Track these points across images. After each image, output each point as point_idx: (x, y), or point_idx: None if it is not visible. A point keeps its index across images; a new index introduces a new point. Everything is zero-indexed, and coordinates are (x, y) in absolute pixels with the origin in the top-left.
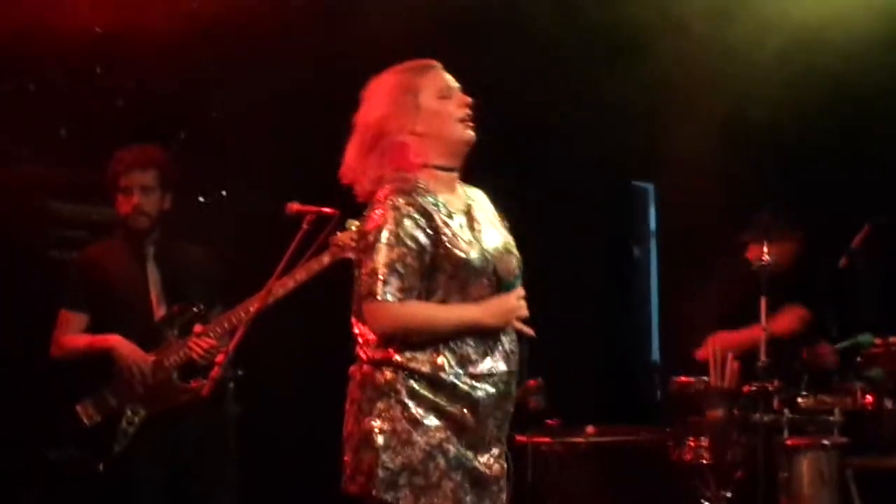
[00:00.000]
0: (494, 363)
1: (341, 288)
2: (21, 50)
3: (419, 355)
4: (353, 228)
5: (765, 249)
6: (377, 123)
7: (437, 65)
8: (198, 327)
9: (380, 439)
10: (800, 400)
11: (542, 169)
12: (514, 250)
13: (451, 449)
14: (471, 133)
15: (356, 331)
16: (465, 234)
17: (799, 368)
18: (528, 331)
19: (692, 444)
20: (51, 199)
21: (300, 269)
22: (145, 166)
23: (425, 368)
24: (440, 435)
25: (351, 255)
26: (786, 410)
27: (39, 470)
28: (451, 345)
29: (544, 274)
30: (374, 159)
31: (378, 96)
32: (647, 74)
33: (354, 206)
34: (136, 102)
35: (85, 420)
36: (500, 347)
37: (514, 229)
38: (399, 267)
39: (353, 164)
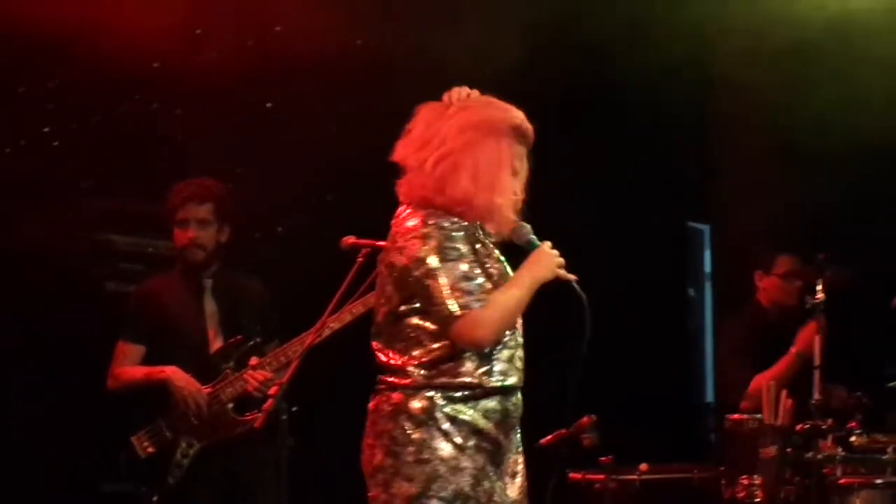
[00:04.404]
0: (517, 378)
1: None
2: (82, 86)
3: (453, 370)
4: None
5: (819, 287)
6: (457, 153)
7: (531, 139)
8: (253, 360)
9: (427, 469)
10: (853, 438)
11: (599, 208)
12: None
13: (491, 473)
14: (512, 222)
15: (382, 358)
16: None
17: (853, 406)
18: (571, 277)
19: (745, 482)
20: (109, 231)
21: (357, 302)
22: (202, 199)
23: (460, 380)
24: (482, 459)
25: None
26: (839, 449)
27: (94, 502)
28: (481, 358)
29: (600, 313)
30: (435, 179)
31: (471, 127)
32: (705, 116)
33: None
34: (194, 137)
35: (140, 452)
36: (518, 364)
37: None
38: (460, 280)
39: (414, 163)
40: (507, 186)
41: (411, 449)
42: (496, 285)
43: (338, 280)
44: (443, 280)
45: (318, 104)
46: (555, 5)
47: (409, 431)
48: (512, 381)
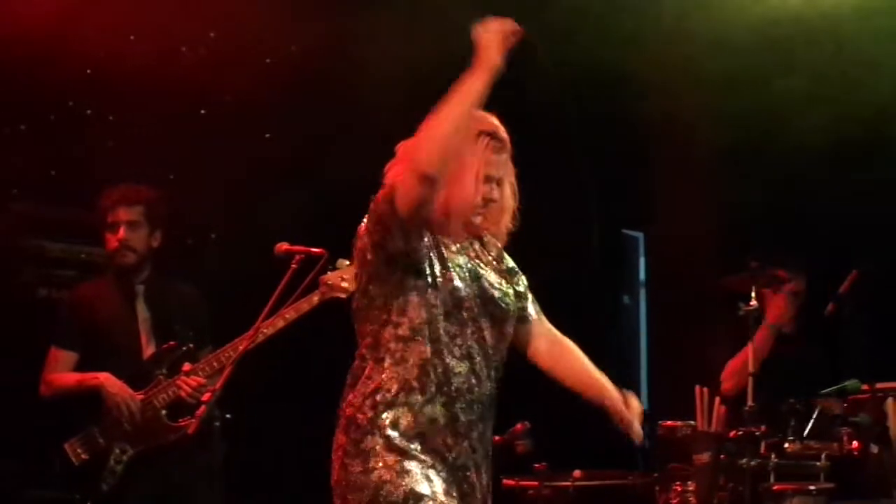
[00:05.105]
0: (476, 382)
1: (330, 328)
2: (12, 91)
3: (410, 360)
4: (343, 268)
5: (752, 295)
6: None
7: (507, 146)
8: (186, 366)
9: (373, 476)
10: (786, 445)
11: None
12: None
13: (444, 473)
14: (475, 228)
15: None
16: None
17: (786, 413)
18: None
19: (679, 488)
20: (40, 238)
21: (289, 308)
22: (132, 203)
23: (412, 375)
24: (431, 459)
25: (341, 294)
26: (772, 455)
27: None
28: (435, 360)
29: None
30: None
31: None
32: (639, 122)
33: (343, 247)
34: (127, 143)
35: (73, 459)
36: (481, 369)
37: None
38: None
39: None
40: (466, 195)
41: (359, 460)
42: (447, 282)
43: (271, 286)
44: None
45: (252, 111)
46: (486, 8)
47: (357, 443)
48: (457, 381)
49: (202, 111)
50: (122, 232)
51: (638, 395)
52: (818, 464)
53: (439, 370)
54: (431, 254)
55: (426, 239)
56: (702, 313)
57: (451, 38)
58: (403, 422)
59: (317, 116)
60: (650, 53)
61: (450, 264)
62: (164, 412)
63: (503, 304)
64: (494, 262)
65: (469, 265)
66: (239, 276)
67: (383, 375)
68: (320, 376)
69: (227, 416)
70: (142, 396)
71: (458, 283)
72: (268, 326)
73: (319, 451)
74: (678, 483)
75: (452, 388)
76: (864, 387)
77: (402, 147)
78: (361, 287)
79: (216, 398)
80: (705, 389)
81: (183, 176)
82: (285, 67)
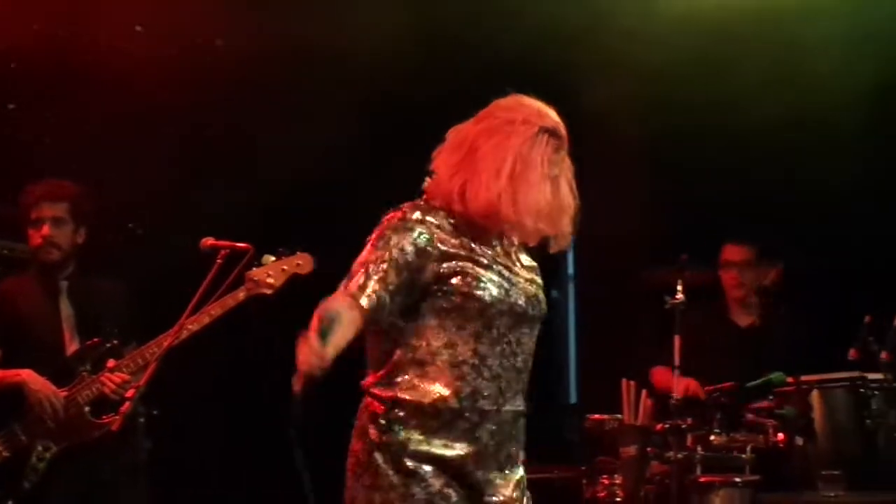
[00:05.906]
0: (504, 401)
1: (255, 324)
2: None
3: (426, 385)
4: (269, 264)
5: (679, 288)
6: (480, 159)
7: (566, 143)
8: (110, 362)
9: (378, 495)
10: (712, 437)
11: None
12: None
13: (453, 494)
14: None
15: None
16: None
17: (711, 406)
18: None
19: (606, 481)
20: None
21: (215, 304)
22: (56, 199)
23: (427, 399)
24: (439, 483)
25: (266, 290)
26: (698, 448)
27: None
28: (458, 384)
29: None
30: (457, 185)
31: (497, 130)
32: (567, 114)
33: (269, 243)
34: (52, 139)
35: None
36: (508, 387)
37: None
38: (371, 268)
39: (442, 167)
40: (533, 195)
41: (368, 474)
42: (489, 289)
43: (196, 282)
44: (360, 258)
45: (180, 105)
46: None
47: (368, 454)
48: (485, 404)
49: (129, 106)
50: (46, 228)
51: (567, 388)
52: (744, 456)
53: (462, 394)
54: (457, 272)
55: (443, 266)
56: (629, 307)
57: (384, 32)
58: (416, 444)
59: (245, 111)
60: (580, 46)
61: (481, 280)
62: (87, 409)
63: (536, 302)
64: (521, 262)
65: (505, 273)
66: (164, 271)
67: (396, 395)
68: (245, 373)
69: (154, 412)
70: (65, 393)
71: (494, 293)
72: (193, 322)
73: (242, 447)
74: (605, 476)
75: (477, 411)
76: (790, 379)
77: (452, 132)
78: None
79: (140, 395)
80: (632, 383)
81: (108, 171)
82: (213, 62)
